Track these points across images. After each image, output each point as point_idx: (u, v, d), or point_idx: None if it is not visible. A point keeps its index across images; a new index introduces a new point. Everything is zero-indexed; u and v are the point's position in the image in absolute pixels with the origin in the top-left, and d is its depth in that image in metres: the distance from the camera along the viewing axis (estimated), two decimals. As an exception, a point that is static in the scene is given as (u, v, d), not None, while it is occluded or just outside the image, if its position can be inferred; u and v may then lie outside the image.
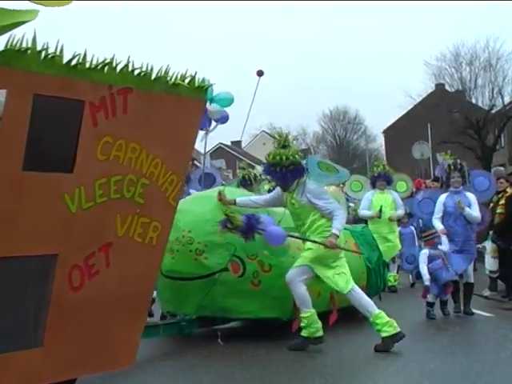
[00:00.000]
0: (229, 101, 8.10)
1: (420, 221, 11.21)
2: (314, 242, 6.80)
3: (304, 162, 7.07)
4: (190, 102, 4.93)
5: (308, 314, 6.80)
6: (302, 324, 6.79)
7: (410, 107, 50.74)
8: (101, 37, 71.90)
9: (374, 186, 11.52)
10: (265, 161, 7.09)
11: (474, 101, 44.58)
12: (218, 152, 51.54)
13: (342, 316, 7.87)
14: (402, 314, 8.95)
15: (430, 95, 47.98)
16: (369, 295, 8.39)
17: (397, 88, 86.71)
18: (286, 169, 6.79)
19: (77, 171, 4.28)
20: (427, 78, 46.81)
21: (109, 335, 4.88)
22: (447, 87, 47.55)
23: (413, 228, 11.52)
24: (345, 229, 9.12)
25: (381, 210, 11.05)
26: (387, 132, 58.14)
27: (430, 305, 8.49)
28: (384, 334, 6.67)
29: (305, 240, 6.91)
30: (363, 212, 11.39)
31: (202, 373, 6.02)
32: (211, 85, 5.06)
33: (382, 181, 11.30)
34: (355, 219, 12.48)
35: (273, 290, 7.14)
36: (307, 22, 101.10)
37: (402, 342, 7.15)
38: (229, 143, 56.70)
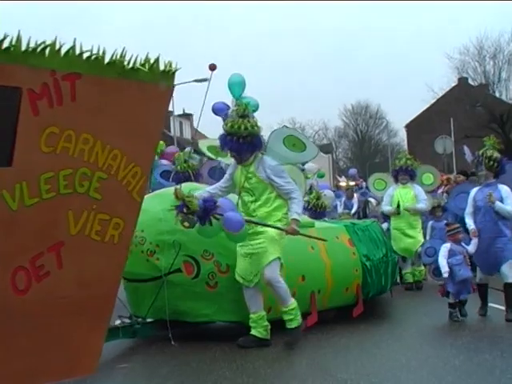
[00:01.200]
0: (253, 107, 7.71)
1: (451, 216, 10.67)
2: (276, 227, 6.35)
3: (269, 134, 6.67)
4: (153, 88, 4.43)
5: (294, 305, 6.49)
6: (290, 317, 6.44)
7: (432, 101, 50.13)
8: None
9: (396, 180, 10.88)
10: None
11: (497, 94, 43.92)
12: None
13: (365, 311, 7.85)
14: (425, 309, 8.76)
15: (453, 89, 47.37)
16: (367, 294, 8.06)
17: (419, 82, 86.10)
18: (243, 139, 6.36)
19: (16, 165, 3.82)
20: (450, 71, 46.36)
21: (66, 341, 4.44)
22: (470, 81, 46.82)
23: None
24: (344, 224, 8.70)
25: (398, 206, 10.45)
26: (409, 126, 57.24)
27: (452, 306, 7.79)
28: (255, 333, 6.47)
29: (264, 226, 6.39)
30: (384, 208, 10.89)
31: (224, 368, 5.83)
32: (178, 69, 4.57)
33: (403, 175, 10.62)
34: (375, 215, 11.97)
35: (232, 293, 6.64)
36: (328, 19, 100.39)
37: (426, 337, 6.94)
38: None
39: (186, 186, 6.90)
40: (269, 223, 6.39)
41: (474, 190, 8.12)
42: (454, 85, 47.86)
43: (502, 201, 7.75)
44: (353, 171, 23.00)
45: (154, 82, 4.43)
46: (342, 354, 6.30)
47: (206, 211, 6.20)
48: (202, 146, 7.98)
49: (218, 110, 8.08)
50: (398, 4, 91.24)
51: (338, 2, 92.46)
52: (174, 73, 4.54)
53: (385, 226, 10.88)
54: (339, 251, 7.78)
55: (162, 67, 4.46)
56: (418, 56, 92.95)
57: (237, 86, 7.29)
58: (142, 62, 4.32)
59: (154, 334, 6.91)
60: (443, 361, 5.91)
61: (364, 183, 20.57)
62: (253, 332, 6.46)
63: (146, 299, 6.79)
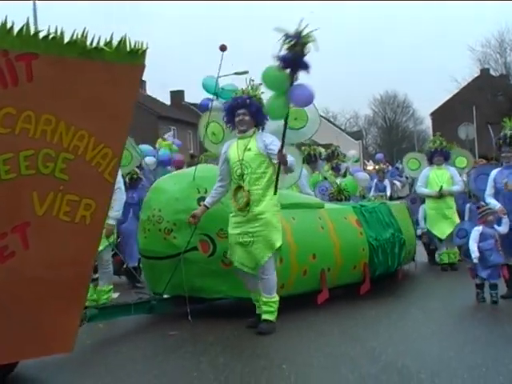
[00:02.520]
0: (233, 91, 7.27)
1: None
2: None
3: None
4: (120, 68, 3.97)
5: (276, 299, 5.91)
6: (270, 309, 5.85)
7: (455, 91, 49.18)
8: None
9: (430, 161, 10.13)
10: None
11: (518, 84, 42.65)
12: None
13: (393, 286, 7.94)
14: (450, 285, 8.50)
15: (476, 79, 46.48)
16: (374, 272, 7.64)
17: (443, 73, 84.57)
18: (261, 106, 5.90)
19: None
20: (472, 63, 45.29)
21: (37, 321, 4.07)
22: (492, 72, 45.81)
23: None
24: (352, 206, 8.22)
25: (440, 189, 9.71)
26: (434, 114, 56.09)
27: (479, 287, 7.02)
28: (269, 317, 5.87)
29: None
30: (421, 189, 10.04)
31: (262, 336, 5.68)
32: (146, 48, 4.05)
33: (438, 156, 9.86)
34: (413, 197, 11.27)
35: None
36: (356, 11, 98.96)
37: (449, 311, 6.75)
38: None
39: (199, 169, 6.60)
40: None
41: (494, 172, 7.48)
42: (476, 75, 46.77)
43: None
44: (380, 156, 22.48)
45: (121, 62, 3.98)
46: (372, 324, 6.12)
47: (299, 63, 5.26)
48: (205, 116, 7.08)
49: (203, 106, 7.81)
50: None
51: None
52: (143, 52, 4.07)
53: (422, 206, 10.33)
54: (347, 231, 7.40)
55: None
56: (442, 48, 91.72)
57: (209, 88, 7.00)
58: (106, 41, 3.89)
59: (170, 310, 6.62)
60: (464, 332, 5.76)
61: (390, 167, 19.91)
62: (266, 317, 5.86)
63: (163, 276, 6.46)
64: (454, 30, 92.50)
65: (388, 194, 14.67)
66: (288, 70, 5.29)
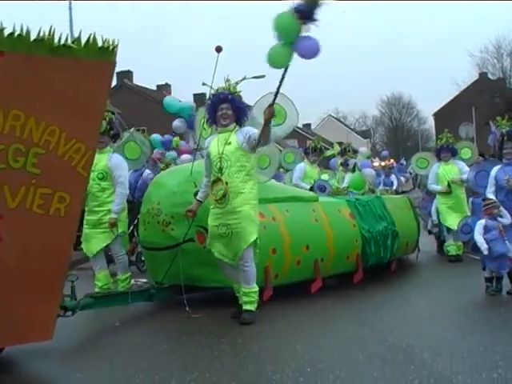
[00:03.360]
0: (190, 109, 7.29)
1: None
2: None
3: (254, 103, 5.86)
4: (90, 64, 3.75)
5: (256, 289, 5.61)
6: (250, 299, 5.57)
7: (456, 93, 48.72)
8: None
9: (439, 158, 9.71)
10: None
11: (513, 87, 42.25)
12: (292, 133, 50.54)
13: (398, 272, 7.88)
14: (451, 273, 8.28)
15: (475, 83, 46.06)
16: (367, 263, 7.37)
17: (445, 76, 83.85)
18: (242, 103, 5.66)
19: None
20: (471, 67, 44.82)
21: (12, 310, 3.88)
22: (490, 75, 45.34)
23: None
24: (346, 199, 7.91)
25: (449, 185, 9.33)
26: (437, 115, 55.45)
27: (488, 280, 6.55)
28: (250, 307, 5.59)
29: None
30: (432, 186, 9.64)
31: (277, 319, 5.62)
32: (117, 45, 3.82)
33: (445, 153, 9.48)
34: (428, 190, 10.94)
35: None
36: (364, 16, 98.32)
37: (450, 296, 6.59)
38: (300, 125, 55.55)
39: (196, 164, 6.33)
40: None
41: (494, 169, 7.05)
42: (475, 79, 46.29)
43: None
44: (385, 153, 22.10)
45: (91, 58, 3.75)
46: (378, 309, 6.03)
47: (313, 14, 4.82)
48: (201, 112, 6.75)
49: (177, 127, 7.58)
50: (425, 5, 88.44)
51: (376, 3, 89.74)
52: (113, 49, 3.83)
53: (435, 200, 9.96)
54: (340, 223, 7.11)
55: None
56: (444, 53, 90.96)
57: (170, 107, 7.07)
58: (74, 39, 3.66)
59: (168, 299, 6.38)
60: (464, 316, 5.70)
61: (395, 164, 19.52)
62: (247, 307, 5.59)
63: (162, 266, 6.23)
64: (454, 33, 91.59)
65: (394, 188, 14.33)
66: (300, 21, 4.84)
